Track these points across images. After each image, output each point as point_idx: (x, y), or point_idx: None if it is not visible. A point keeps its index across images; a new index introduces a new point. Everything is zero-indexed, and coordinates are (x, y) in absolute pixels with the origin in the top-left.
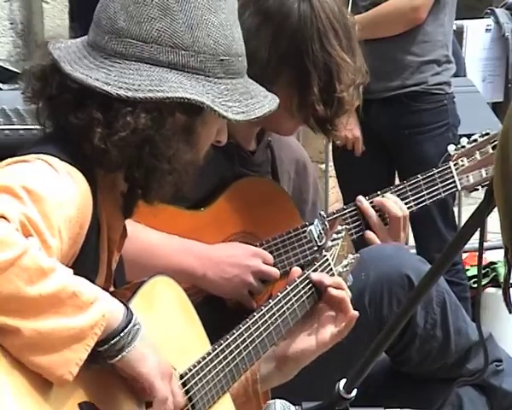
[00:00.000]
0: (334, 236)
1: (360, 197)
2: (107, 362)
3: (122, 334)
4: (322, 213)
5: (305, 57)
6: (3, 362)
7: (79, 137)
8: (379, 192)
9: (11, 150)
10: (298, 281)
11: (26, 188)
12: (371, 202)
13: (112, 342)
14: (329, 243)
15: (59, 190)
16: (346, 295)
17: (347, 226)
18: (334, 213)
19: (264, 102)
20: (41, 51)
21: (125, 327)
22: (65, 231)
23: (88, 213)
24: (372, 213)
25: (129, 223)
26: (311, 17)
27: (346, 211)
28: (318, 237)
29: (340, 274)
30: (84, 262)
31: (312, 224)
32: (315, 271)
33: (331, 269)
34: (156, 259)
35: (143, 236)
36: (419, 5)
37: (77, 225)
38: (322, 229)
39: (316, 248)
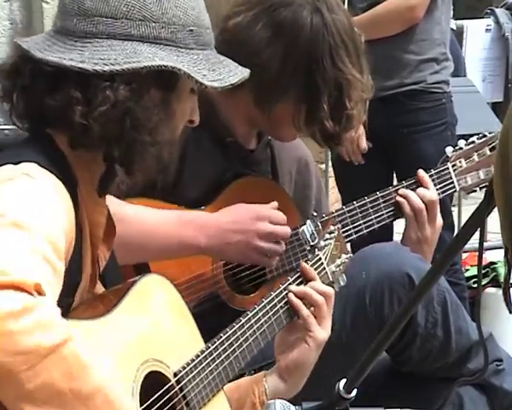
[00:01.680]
0: (327, 236)
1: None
2: None
3: None
4: (315, 213)
5: (315, 73)
6: None
7: (58, 119)
8: (383, 191)
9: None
10: (291, 279)
11: (31, 220)
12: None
13: None
14: (322, 243)
15: (56, 209)
16: (300, 304)
17: (347, 227)
18: (336, 212)
19: (237, 70)
20: (7, 50)
21: None
22: (64, 247)
23: (73, 219)
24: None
25: (123, 204)
26: (323, 32)
27: (346, 210)
28: (311, 237)
29: (333, 273)
30: (70, 267)
31: (305, 224)
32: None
33: (324, 268)
34: (156, 238)
35: (140, 216)
36: (415, 4)
37: (70, 235)
38: (315, 228)
39: (308, 248)
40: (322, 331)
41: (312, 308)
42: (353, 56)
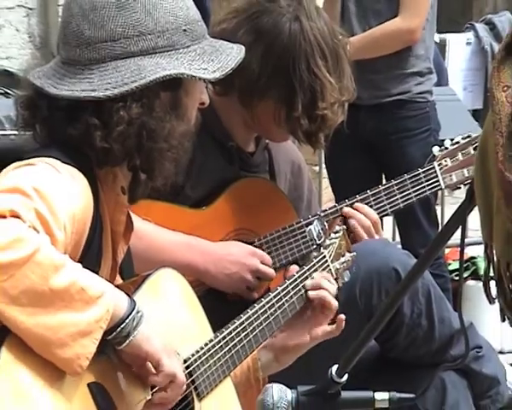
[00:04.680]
0: (332, 235)
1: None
2: (114, 352)
3: (127, 320)
4: (322, 214)
5: (291, 76)
6: (21, 347)
7: (81, 145)
8: (367, 192)
9: (17, 153)
10: (296, 275)
11: (34, 187)
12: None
13: (118, 329)
14: (327, 242)
15: (62, 189)
16: (325, 294)
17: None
18: (326, 211)
19: (233, 53)
20: (23, 83)
21: (129, 314)
22: (69, 226)
23: (89, 210)
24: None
25: (139, 220)
26: (299, 38)
27: (339, 208)
28: (317, 236)
29: (336, 270)
30: (88, 255)
31: (312, 224)
32: (312, 266)
33: (328, 265)
34: (163, 254)
35: (152, 233)
36: (415, 28)
37: (81, 222)
38: (322, 228)
39: (314, 246)
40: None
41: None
42: (330, 61)
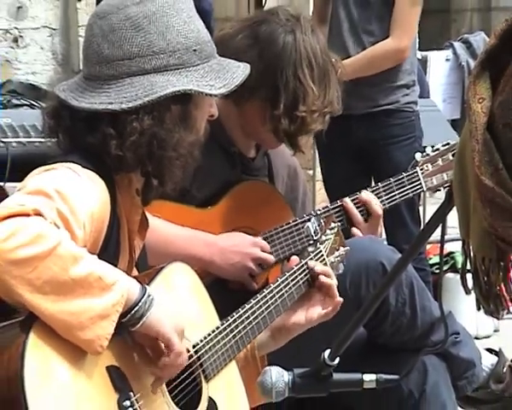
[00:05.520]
0: (328, 231)
1: (346, 199)
2: (129, 334)
3: (140, 303)
4: (319, 211)
5: (278, 79)
6: (47, 330)
7: (99, 152)
8: (357, 193)
9: (41, 159)
10: (295, 268)
11: (56, 189)
12: (355, 201)
13: (132, 312)
14: (323, 238)
15: (82, 191)
16: (333, 282)
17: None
18: (321, 210)
19: (238, 70)
20: (49, 95)
21: (141, 298)
22: (88, 224)
23: (107, 210)
24: (356, 211)
25: (149, 217)
26: (291, 49)
27: (331, 208)
28: (314, 233)
29: (331, 264)
30: (107, 251)
31: (309, 221)
32: (310, 260)
33: (324, 259)
34: (172, 247)
35: (162, 228)
36: (404, 48)
37: (99, 220)
38: (318, 225)
39: (311, 242)
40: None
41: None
42: (316, 73)
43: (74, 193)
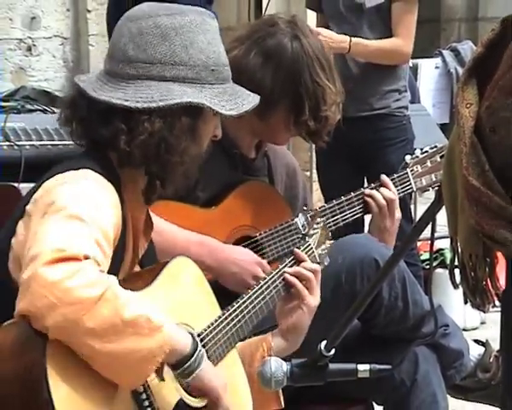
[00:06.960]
0: (315, 226)
1: (366, 188)
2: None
3: (192, 360)
4: (305, 208)
5: (298, 86)
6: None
7: (108, 145)
8: (355, 192)
9: (53, 161)
10: (287, 261)
11: (88, 214)
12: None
13: (184, 366)
14: (311, 232)
15: (105, 205)
16: (310, 275)
17: (327, 220)
18: (320, 208)
19: (249, 98)
20: (69, 84)
21: (193, 354)
22: (113, 235)
23: (120, 214)
24: (379, 196)
25: (160, 219)
26: (301, 54)
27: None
28: (302, 227)
29: (319, 255)
30: (114, 250)
31: (297, 217)
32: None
33: (313, 252)
34: (177, 250)
35: (168, 231)
36: (408, 52)
37: (118, 225)
38: (305, 220)
39: (300, 236)
40: (313, 299)
41: (304, 282)
42: (326, 70)
43: (101, 213)
